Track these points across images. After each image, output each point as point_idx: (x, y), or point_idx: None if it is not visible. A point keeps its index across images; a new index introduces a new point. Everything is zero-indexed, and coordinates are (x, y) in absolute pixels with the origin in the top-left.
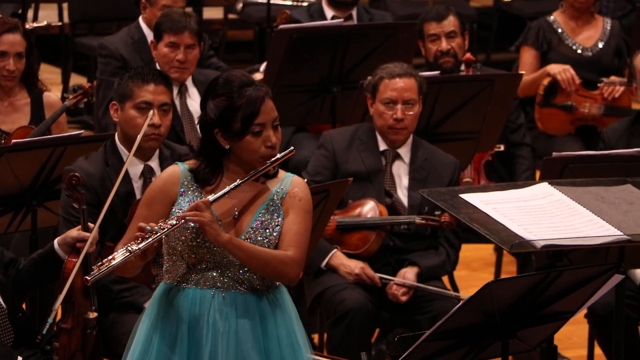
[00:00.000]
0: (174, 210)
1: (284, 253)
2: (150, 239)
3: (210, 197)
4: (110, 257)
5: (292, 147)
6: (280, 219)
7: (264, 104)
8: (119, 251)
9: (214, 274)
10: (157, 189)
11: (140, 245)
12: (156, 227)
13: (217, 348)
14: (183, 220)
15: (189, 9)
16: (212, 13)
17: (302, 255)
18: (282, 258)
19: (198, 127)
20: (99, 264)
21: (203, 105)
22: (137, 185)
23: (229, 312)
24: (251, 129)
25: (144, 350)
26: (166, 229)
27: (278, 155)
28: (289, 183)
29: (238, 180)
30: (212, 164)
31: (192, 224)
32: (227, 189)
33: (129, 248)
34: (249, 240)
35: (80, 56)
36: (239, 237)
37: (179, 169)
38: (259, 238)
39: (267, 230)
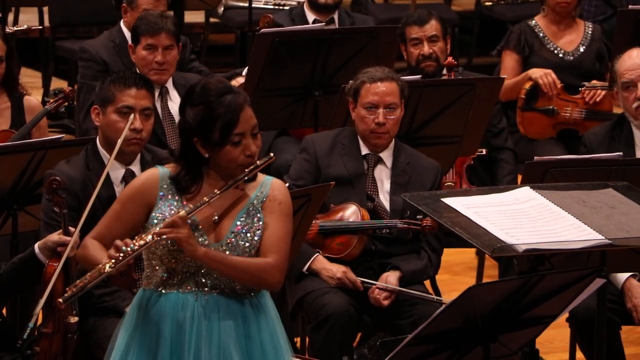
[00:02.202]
0: (153, 214)
1: (264, 260)
2: (125, 259)
3: (187, 211)
4: (83, 278)
5: (271, 154)
6: (261, 222)
7: (243, 112)
8: (92, 271)
9: (195, 278)
10: (135, 190)
11: (114, 266)
12: (132, 245)
13: (200, 352)
14: (158, 237)
15: (170, 13)
16: (194, 17)
17: (283, 261)
18: (262, 265)
19: (178, 135)
20: (73, 285)
21: (182, 111)
22: (118, 189)
23: (212, 316)
24: (230, 139)
25: (122, 358)
26: (142, 246)
27: (257, 163)
28: (269, 186)
29: (216, 190)
30: (191, 171)
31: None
32: (203, 201)
33: (104, 269)
34: (230, 245)
35: (61, 60)
36: (220, 242)
37: (158, 172)
38: (241, 242)
39: (249, 235)
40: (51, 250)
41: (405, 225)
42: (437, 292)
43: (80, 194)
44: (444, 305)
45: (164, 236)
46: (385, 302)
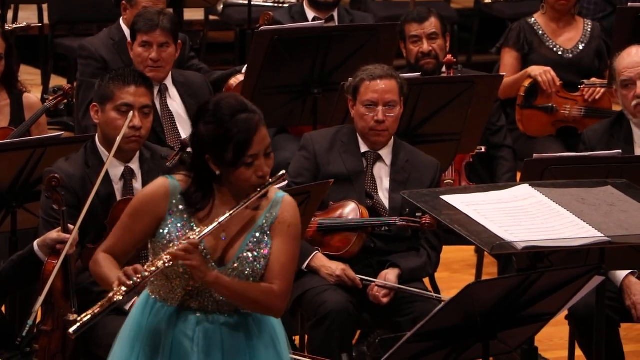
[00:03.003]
0: (161, 232)
1: (269, 287)
2: (137, 287)
3: (198, 236)
4: (94, 307)
5: (283, 171)
6: (268, 248)
7: (257, 133)
8: (103, 300)
9: (200, 298)
10: (144, 202)
11: (126, 294)
12: (143, 272)
13: None
14: (169, 264)
15: (168, 10)
16: (193, 14)
17: (288, 288)
18: (267, 293)
19: (190, 147)
20: (84, 314)
21: (194, 125)
22: (117, 187)
23: (215, 336)
24: (243, 160)
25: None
26: (153, 272)
27: (270, 181)
28: (279, 207)
29: (228, 212)
30: (202, 186)
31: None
32: (215, 224)
33: (116, 298)
34: (235, 271)
35: (60, 57)
36: (225, 266)
37: (169, 183)
38: (246, 271)
39: (255, 263)
40: (50, 248)
41: (405, 223)
42: (437, 290)
43: (79, 192)
44: (443, 303)
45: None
46: (385, 300)
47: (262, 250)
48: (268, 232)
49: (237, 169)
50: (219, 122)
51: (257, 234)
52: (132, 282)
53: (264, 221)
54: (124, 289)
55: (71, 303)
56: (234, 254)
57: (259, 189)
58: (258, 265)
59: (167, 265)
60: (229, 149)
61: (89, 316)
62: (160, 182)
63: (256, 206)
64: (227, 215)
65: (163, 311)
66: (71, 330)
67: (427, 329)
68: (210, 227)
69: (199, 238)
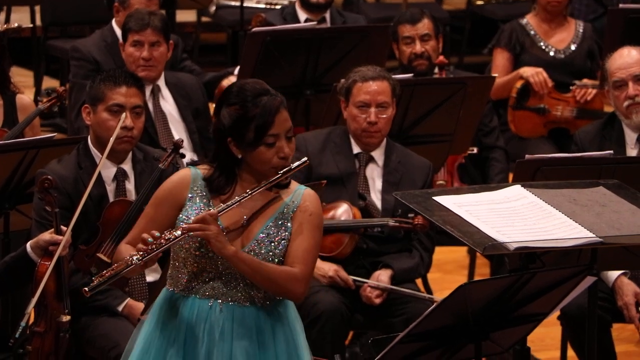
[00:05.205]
0: (180, 216)
1: (290, 269)
2: (153, 252)
3: (217, 209)
4: (109, 269)
5: (305, 158)
6: (287, 232)
7: (279, 114)
8: (118, 262)
9: (214, 285)
10: (167, 191)
11: (142, 259)
12: (160, 240)
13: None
14: (187, 233)
15: (161, 12)
16: (186, 16)
17: (309, 272)
18: (288, 275)
19: (212, 135)
20: (99, 275)
21: (217, 112)
22: (110, 188)
23: (226, 325)
24: (264, 140)
25: (142, 356)
26: (171, 240)
27: (291, 166)
28: (301, 196)
29: (248, 190)
30: (225, 172)
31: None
32: (234, 200)
33: (131, 260)
34: (252, 252)
35: (52, 59)
36: (244, 247)
37: (190, 172)
38: (263, 251)
39: (272, 244)
40: (43, 250)
41: (397, 224)
42: (429, 290)
43: (72, 193)
44: (435, 303)
45: (192, 233)
46: (377, 301)
47: (282, 234)
48: (289, 218)
49: (257, 148)
50: (242, 102)
51: (278, 219)
52: (148, 245)
53: (285, 209)
54: (140, 253)
55: (64, 304)
56: (253, 236)
57: (279, 172)
58: (276, 249)
59: (185, 235)
60: (251, 128)
61: (105, 277)
62: (183, 173)
63: (277, 196)
64: (247, 193)
65: (179, 302)
66: (87, 288)
67: (419, 329)
68: (229, 203)
69: (218, 211)
